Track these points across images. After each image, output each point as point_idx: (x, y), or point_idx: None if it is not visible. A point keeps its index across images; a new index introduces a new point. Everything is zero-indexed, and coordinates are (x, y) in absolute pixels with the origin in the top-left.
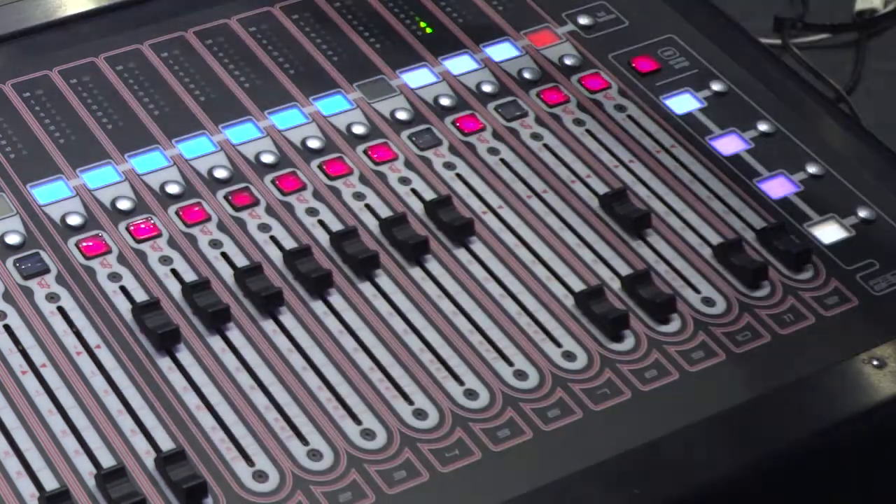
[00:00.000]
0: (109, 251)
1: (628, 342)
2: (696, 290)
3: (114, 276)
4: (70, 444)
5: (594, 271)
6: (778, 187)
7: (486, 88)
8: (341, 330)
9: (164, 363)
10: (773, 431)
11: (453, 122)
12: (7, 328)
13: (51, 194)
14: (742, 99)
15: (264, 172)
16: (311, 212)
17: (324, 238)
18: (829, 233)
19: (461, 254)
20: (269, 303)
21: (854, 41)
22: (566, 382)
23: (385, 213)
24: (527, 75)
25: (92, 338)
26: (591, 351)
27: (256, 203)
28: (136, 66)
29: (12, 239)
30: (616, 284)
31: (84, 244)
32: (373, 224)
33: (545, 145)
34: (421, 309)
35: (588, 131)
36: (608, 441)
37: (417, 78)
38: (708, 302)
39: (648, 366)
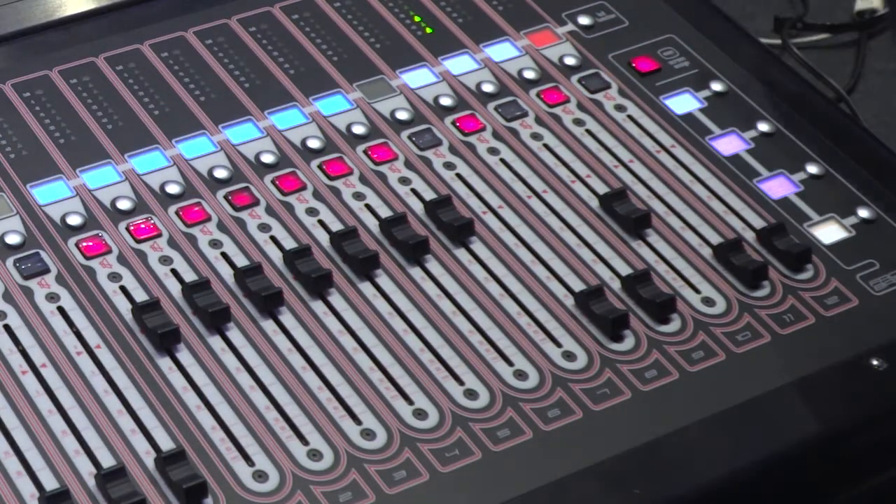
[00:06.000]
0: (109, 251)
1: (628, 342)
2: (696, 290)
3: (114, 276)
4: (70, 444)
5: (594, 271)
6: (778, 187)
7: (486, 88)
8: (341, 330)
9: (164, 363)
10: (773, 431)
11: (453, 122)
12: (7, 328)
13: (51, 194)
14: (742, 99)
15: (264, 172)
16: (311, 212)
17: (324, 238)
18: (829, 233)
19: (461, 254)
20: (269, 303)
21: (854, 41)
22: (566, 382)
23: (385, 213)
24: (527, 75)
25: (92, 338)
26: (591, 351)
27: (256, 203)
28: (136, 66)
29: (12, 239)
30: (616, 284)
31: (84, 244)
32: (373, 224)
33: (545, 145)
34: (421, 309)
35: (588, 131)
36: (608, 441)
37: (417, 78)
38: (708, 302)
39: (648, 366)
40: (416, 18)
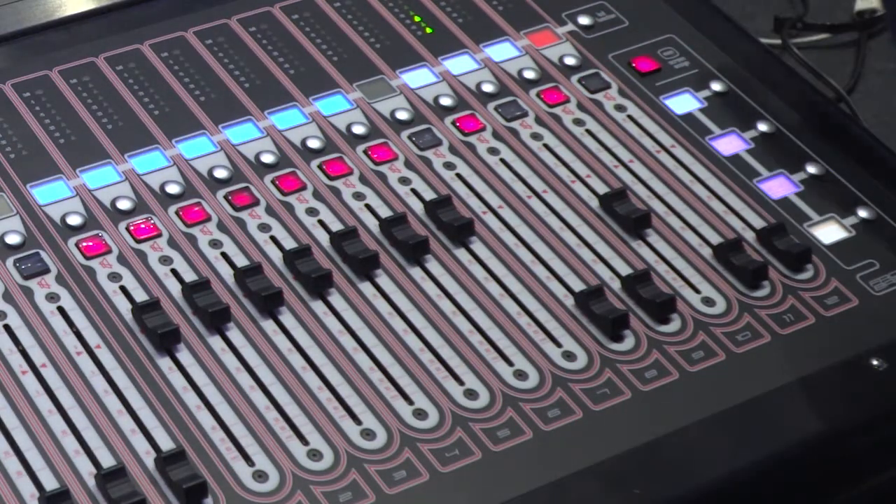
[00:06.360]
0: (109, 251)
1: (628, 342)
2: (696, 290)
3: (114, 276)
4: (70, 444)
5: (594, 271)
6: (778, 187)
7: (486, 88)
8: (341, 330)
9: (164, 363)
10: (773, 431)
11: (453, 122)
12: (7, 328)
13: (51, 194)
14: (742, 99)
15: (264, 172)
16: (311, 212)
17: (324, 238)
18: (829, 233)
19: (461, 254)
20: (269, 303)
21: (854, 41)
22: (566, 382)
23: (385, 213)
24: (527, 75)
25: (92, 338)
26: (591, 351)
27: (256, 203)
28: (136, 66)
29: (12, 239)
30: (616, 284)
31: (84, 244)
32: (373, 224)
33: (545, 145)
34: (421, 309)
35: (588, 131)
36: (608, 441)
37: (417, 78)
38: (708, 302)
39: (648, 366)
40: (416, 18)
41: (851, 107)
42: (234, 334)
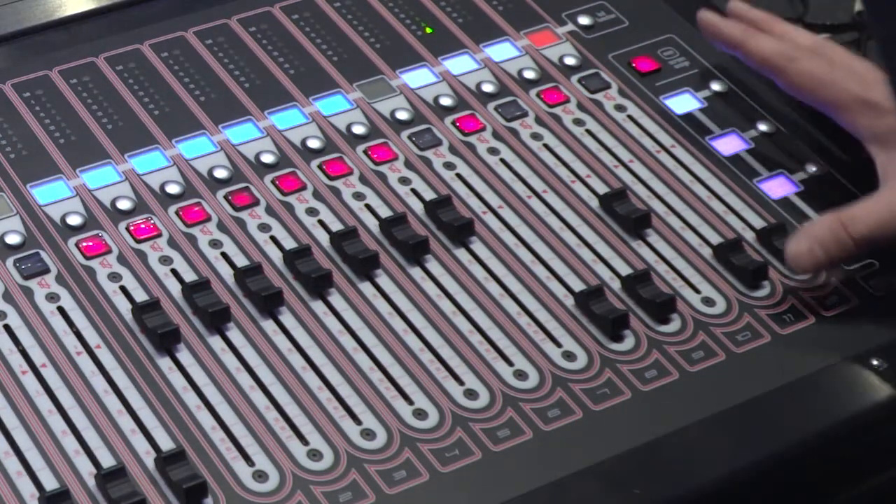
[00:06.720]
0: (109, 251)
1: (628, 342)
2: (696, 290)
3: (114, 276)
4: (70, 444)
5: (594, 271)
6: (778, 187)
7: (486, 88)
8: (341, 330)
9: (164, 363)
10: (773, 431)
11: (453, 122)
12: (7, 328)
13: (51, 194)
14: (742, 99)
15: (264, 172)
16: (311, 212)
17: (324, 238)
18: None
19: (461, 254)
20: (269, 303)
21: (854, 41)
22: (566, 382)
23: (385, 213)
24: (527, 75)
25: (92, 338)
26: (591, 351)
27: (256, 203)
28: (136, 66)
29: (12, 239)
30: (616, 284)
31: (84, 244)
32: (373, 224)
33: (545, 145)
34: (421, 309)
35: (588, 131)
36: (608, 441)
37: (417, 78)
38: (708, 302)
39: (648, 366)
40: (423, 24)
41: None
42: (234, 334)
